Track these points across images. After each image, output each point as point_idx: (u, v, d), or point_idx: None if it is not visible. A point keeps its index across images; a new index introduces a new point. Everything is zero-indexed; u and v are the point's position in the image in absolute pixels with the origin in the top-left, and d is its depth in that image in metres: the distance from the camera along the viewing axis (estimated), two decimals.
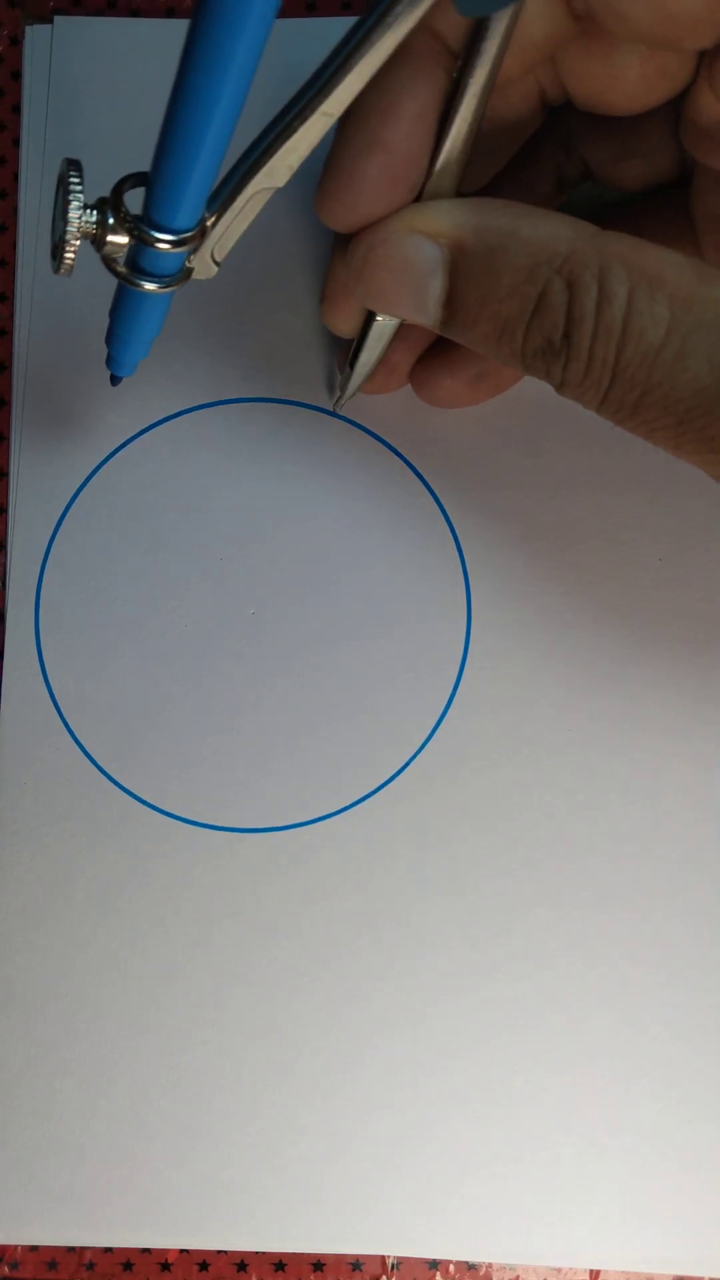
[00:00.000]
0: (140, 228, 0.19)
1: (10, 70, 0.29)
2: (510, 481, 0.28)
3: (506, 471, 0.28)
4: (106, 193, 0.20)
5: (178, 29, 0.29)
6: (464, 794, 0.27)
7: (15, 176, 0.29)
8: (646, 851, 0.27)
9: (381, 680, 0.27)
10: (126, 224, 0.19)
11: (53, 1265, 0.26)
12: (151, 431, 0.28)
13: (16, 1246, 0.26)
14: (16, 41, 0.29)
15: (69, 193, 0.20)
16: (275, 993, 0.26)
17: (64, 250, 0.20)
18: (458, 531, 0.28)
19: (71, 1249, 0.26)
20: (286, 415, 0.28)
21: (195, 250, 0.20)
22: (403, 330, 0.25)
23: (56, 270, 0.21)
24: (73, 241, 0.20)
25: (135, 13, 0.29)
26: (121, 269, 0.20)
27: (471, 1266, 0.26)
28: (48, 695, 0.27)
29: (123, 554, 0.28)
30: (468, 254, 0.20)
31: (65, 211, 0.20)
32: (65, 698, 0.27)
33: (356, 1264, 0.26)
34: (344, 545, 0.28)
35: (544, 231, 0.19)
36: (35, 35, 0.29)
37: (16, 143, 0.29)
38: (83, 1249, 0.26)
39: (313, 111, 0.19)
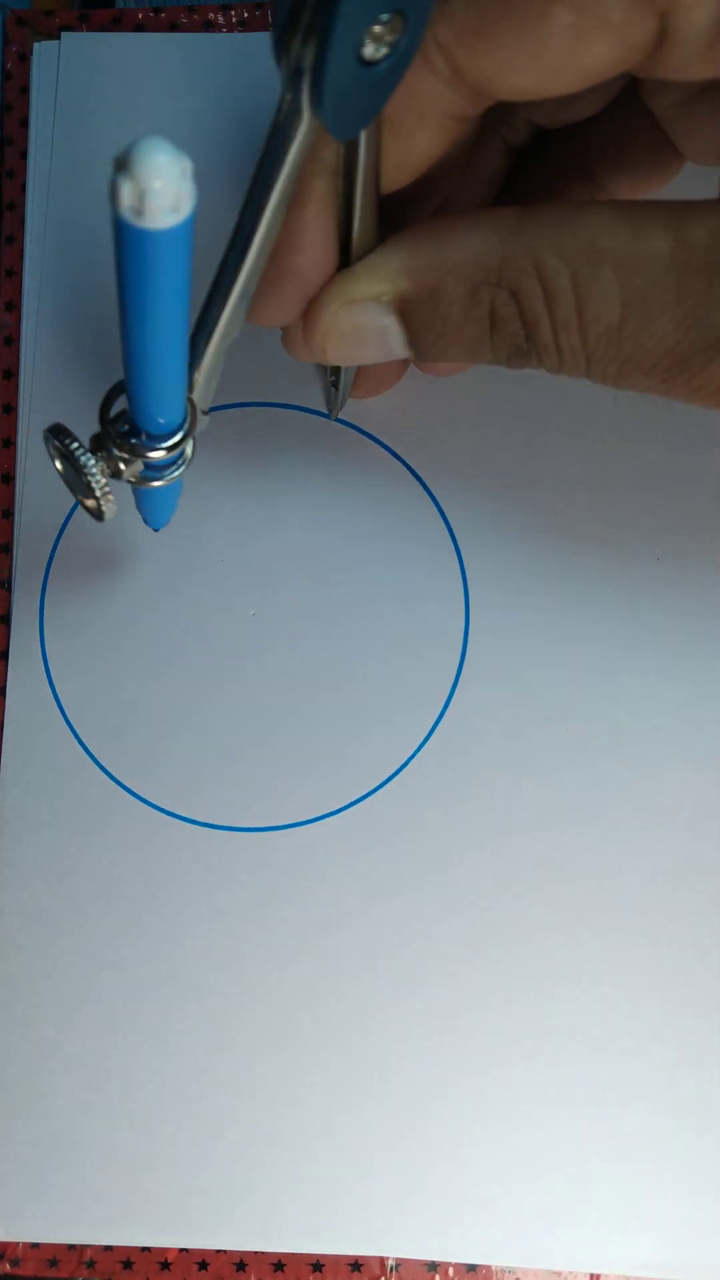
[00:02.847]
0: (138, 446, 0.20)
1: (19, 85, 0.30)
2: (508, 482, 0.28)
3: (504, 472, 0.28)
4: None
5: (181, 44, 0.29)
6: (462, 794, 0.27)
7: (23, 188, 0.30)
8: (646, 852, 0.27)
9: (380, 680, 0.27)
10: (125, 451, 0.20)
11: (53, 1263, 0.26)
12: None
13: (17, 1244, 0.26)
14: (25, 58, 0.30)
15: (75, 457, 0.20)
16: (276, 992, 0.26)
17: (102, 504, 0.21)
18: (455, 533, 0.28)
19: (72, 1247, 0.26)
20: (287, 419, 0.28)
21: (194, 433, 0.21)
22: None
23: (103, 519, 0.22)
24: (104, 491, 0.21)
25: (140, 28, 0.30)
26: (133, 479, 0.21)
27: (471, 1269, 0.26)
28: (52, 696, 0.28)
29: (124, 556, 0.28)
30: (411, 301, 0.20)
31: (82, 474, 0.20)
32: (69, 698, 0.28)
33: (355, 1265, 0.26)
34: (343, 546, 0.28)
35: (471, 248, 0.19)
36: (43, 51, 0.30)
37: (24, 155, 0.30)
38: (83, 1247, 0.26)
39: (236, 271, 0.19)
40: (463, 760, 0.27)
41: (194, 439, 0.21)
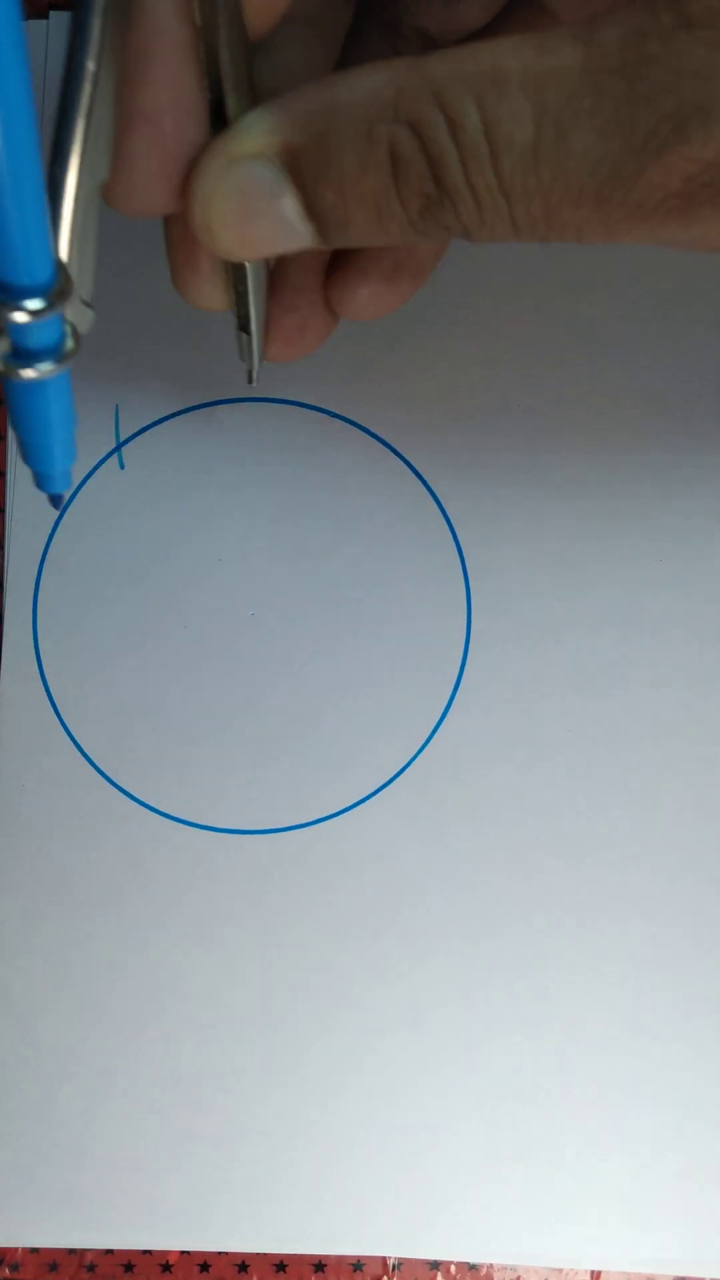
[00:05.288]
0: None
1: None
2: (510, 481, 0.28)
3: (507, 471, 0.28)
4: None
5: None
6: (464, 796, 0.27)
7: None
8: (647, 853, 0.27)
9: (381, 682, 0.27)
10: None
11: (53, 1267, 0.26)
12: (149, 431, 0.28)
13: (17, 1248, 0.26)
14: None
15: None
16: (276, 995, 0.26)
17: None
18: (457, 532, 0.28)
19: (72, 1250, 0.26)
20: (285, 415, 0.28)
21: (68, 298, 0.17)
22: (287, 272, 0.23)
23: None
24: None
25: None
26: (1, 365, 0.18)
27: (473, 1267, 0.26)
28: (46, 697, 0.27)
29: (121, 555, 0.28)
30: (300, 153, 0.18)
31: None
32: (63, 699, 0.27)
33: (358, 1265, 0.26)
34: (343, 545, 0.28)
35: (362, 87, 0.17)
36: (31, 30, 0.29)
37: None
38: (84, 1250, 0.26)
39: (83, 81, 0.17)
40: (465, 760, 0.27)
41: (71, 325, 0.18)
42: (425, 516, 0.28)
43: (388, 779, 0.27)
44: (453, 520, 0.28)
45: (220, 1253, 0.26)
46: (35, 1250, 0.26)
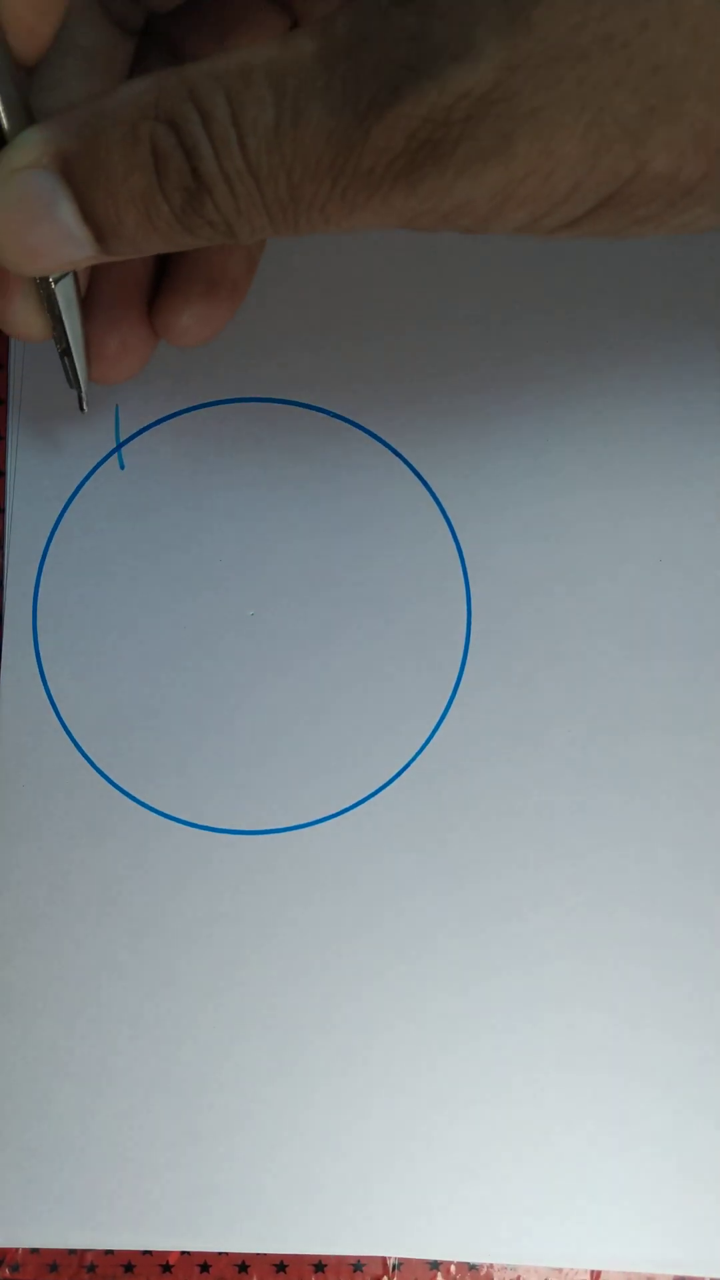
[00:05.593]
0: None
1: None
2: (510, 481, 0.28)
3: (506, 471, 0.28)
4: None
5: None
6: (463, 796, 0.27)
7: None
8: (646, 852, 0.27)
9: (381, 682, 0.27)
10: None
11: (54, 1267, 0.26)
12: (149, 431, 0.28)
13: (17, 1249, 0.26)
14: None
15: None
16: (275, 994, 0.26)
17: None
18: (457, 532, 0.28)
19: (72, 1251, 0.26)
20: (285, 415, 0.28)
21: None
22: (103, 292, 0.24)
23: None
24: None
25: None
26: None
27: (473, 1267, 0.26)
28: (46, 697, 0.27)
29: (121, 554, 0.28)
30: (73, 158, 0.19)
31: None
32: (63, 699, 0.27)
33: (358, 1265, 0.26)
34: (343, 545, 0.28)
35: (127, 93, 0.19)
36: None
37: None
38: (84, 1251, 0.26)
39: None
40: (465, 760, 0.27)
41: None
42: (425, 516, 0.28)
43: (388, 779, 0.27)
44: (453, 520, 0.28)
45: (220, 1253, 0.26)
46: (35, 1251, 0.26)
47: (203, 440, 0.28)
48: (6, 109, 0.19)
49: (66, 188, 0.19)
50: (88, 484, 0.28)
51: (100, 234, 0.20)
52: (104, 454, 0.28)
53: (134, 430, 0.28)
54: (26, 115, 0.20)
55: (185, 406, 0.28)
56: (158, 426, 0.28)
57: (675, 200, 0.18)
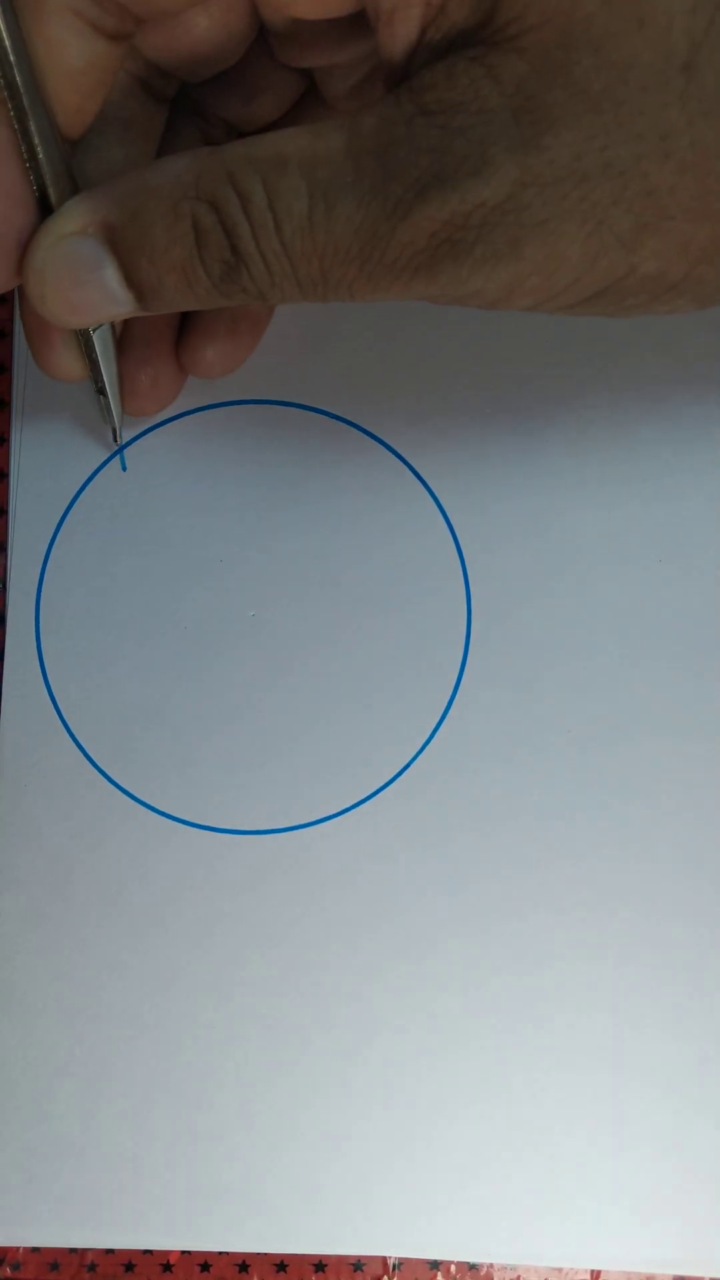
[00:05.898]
0: None
1: None
2: (510, 482, 0.28)
3: (507, 472, 0.28)
4: None
5: None
6: (464, 796, 0.27)
7: None
8: (647, 852, 0.27)
9: (381, 682, 0.27)
10: None
11: (54, 1266, 0.26)
12: (152, 434, 0.28)
13: (18, 1248, 0.26)
14: None
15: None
16: (276, 994, 0.26)
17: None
18: (457, 532, 0.28)
19: (73, 1250, 0.26)
20: (286, 417, 0.28)
21: None
22: (136, 334, 0.26)
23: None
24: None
25: None
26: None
27: (473, 1267, 0.26)
28: (48, 697, 0.27)
29: (123, 556, 0.28)
30: (118, 229, 0.21)
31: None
32: (65, 699, 0.27)
33: (358, 1265, 0.26)
34: (344, 546, 0.28)
35: (169, 171, 0.20)
36: None
37: None
38: (84, 1250, 0.26)
39: None
40: (466, 760, 0.27)
41: None
42: (425, 516, 0.28)
43: (388, 779, 0.27)
44: (453, 520, 0.28)
45: (220, 1253, 0.26)
46: (36, 1250, 0.26)
47: (204, 442, 0.28)
48: (53, 179, 0.21)
49: (111, 254, 0.21)
50: (90, 486, 0.28)
51: (141, 295, 0.21)
52: (105, 456, 0.28)
53: (136, 432, 0.28)
54: (71, 183, 0.22)
55: (187, 409, 0.28)
56: (160, 429, 0.28)
57: (660, 294, 0.20)
